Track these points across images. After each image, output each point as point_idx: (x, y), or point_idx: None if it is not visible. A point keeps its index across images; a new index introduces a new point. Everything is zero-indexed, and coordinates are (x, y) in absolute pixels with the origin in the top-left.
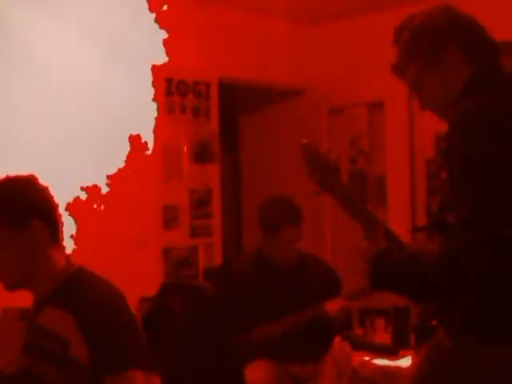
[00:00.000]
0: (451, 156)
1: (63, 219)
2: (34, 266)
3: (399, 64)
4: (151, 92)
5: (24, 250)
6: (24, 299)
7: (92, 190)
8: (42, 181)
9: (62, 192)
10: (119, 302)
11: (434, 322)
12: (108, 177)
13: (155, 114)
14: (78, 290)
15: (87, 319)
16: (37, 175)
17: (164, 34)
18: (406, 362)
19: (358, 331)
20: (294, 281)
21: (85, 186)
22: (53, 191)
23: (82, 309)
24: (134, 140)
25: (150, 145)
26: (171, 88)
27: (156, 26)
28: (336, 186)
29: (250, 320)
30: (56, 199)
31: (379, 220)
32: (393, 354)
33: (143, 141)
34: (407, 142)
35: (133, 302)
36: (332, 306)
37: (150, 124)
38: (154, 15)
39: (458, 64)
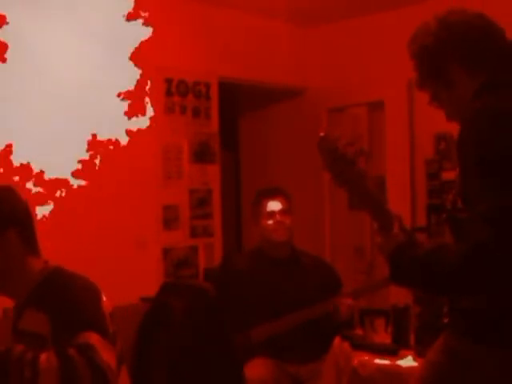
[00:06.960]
0: (466, 152)
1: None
2: (9, 272)
3: (416, 81)
4: (151, 92)
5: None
6: None
7: (92, 189)
8: (42, 179)
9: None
10: (91, 298)
11: (445, 321)
12: (108, 176)
13: (155, 114)
14: (51, 290)
15: (58, 315)
16: (36, 175)
17: (164, 35)
18: (405, 362)
19: (358, 331)
20: (291, 271)
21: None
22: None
23: (54, 307)
24: (134, 140)
25: (150, 145)
26: (171, 88)
27: (156, 27)
28: (352, 181)
29: (250, 317)
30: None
31: (395, 215)
32: (393, 354)
33: (143, 141)
34: (407, 141)
35: (133, 302)
36: (341, 304)
37: (150, 124)
38: (154, 15)
39: (466, 80)
